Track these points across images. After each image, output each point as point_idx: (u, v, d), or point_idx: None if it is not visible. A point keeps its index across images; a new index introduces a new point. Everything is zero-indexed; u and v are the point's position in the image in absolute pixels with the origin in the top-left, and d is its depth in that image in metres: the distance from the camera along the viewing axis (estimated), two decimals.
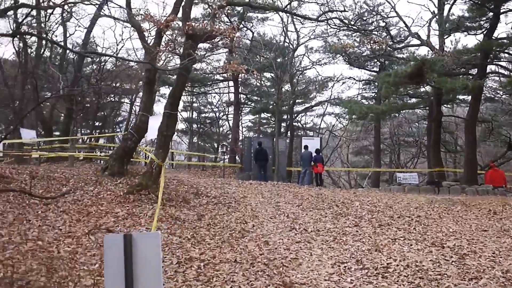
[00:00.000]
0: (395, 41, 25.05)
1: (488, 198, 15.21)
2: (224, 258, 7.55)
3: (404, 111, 30.74)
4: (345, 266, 7.62)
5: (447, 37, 23.39)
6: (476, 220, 11.71)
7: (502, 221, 11.65)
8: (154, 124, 13.82)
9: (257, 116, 36.87)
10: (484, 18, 22.16)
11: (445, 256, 8.40)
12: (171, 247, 7.80)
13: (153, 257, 3.38)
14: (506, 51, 22.70)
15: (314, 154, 20.25)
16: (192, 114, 40.99)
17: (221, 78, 32.25)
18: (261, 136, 32.14)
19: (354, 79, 31.90)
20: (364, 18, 24.38)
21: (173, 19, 12.61)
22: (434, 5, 23.95)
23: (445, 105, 29.19)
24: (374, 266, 7.62)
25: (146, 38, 15.45)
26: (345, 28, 22.52)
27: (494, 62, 23.57)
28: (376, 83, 29.06)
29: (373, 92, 32.32)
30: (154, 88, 17.37)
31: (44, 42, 26.51)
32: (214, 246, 8.16)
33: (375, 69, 30.12)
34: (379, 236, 9.75)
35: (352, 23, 21.85)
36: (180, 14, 13.79)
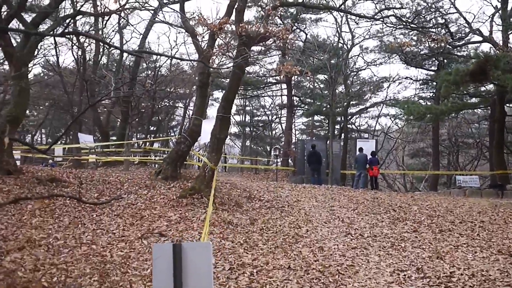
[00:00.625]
0: (455, 38, 24.06)
1: None
2: (278, 265, 7.33)
3: (464, 111, 29.53)
4: (404, 275, 7.24)
5: (511, 33, 22.23)
6: None
7: None
8: (207, 127, 13.82)
9: (310, 118, 36.53)
10: None
11: None
12: (223, 253, 7.65)
13: (203, 268, 3.21)
14: None
15: (369, 156, 19.76)
16: (245, 117, 41.14)
17: (274, 81, 32.17)
18: (314, 138, 31.75)
19: (411, 79, 30.99)
20: (422, 15, 23.54)
21: (226, 21, 12.53)
22: None
23: (508, 105, 27.82)
24: (436, 275, 7.20)
25: (200, 42, 15.51)
26: (402, 26, 21.81)
27: None
28: (435, 83, 28.09)
29: (430, 92, 31.29)
30: (207, 92, 17.41)
31: (101, 49, 27.31)
32: (267, 252, 7.96)
33: (433, 68, 29.12)
34: (440, 242, 9.27)
35: (409, 20, 21.12)
36: (233, 17, 13.72)
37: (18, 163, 17.28)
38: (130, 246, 7.56)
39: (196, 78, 20.24)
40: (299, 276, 6.88)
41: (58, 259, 6.67)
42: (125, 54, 27.87)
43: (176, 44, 43.39)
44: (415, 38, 25.74)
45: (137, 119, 31.79)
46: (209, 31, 13.63)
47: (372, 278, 7.02)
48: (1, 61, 21.28)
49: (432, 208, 12.73)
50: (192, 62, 24.27)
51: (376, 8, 21.33)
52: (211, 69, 13.70)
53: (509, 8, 22.02)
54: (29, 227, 8.10)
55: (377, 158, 21.09)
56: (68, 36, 23.82)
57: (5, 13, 12.54)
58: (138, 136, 37.02)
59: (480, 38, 22.93)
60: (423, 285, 6.78)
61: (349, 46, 28.07)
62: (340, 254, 8.21)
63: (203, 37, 16.27)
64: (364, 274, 7.20)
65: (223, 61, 28.98)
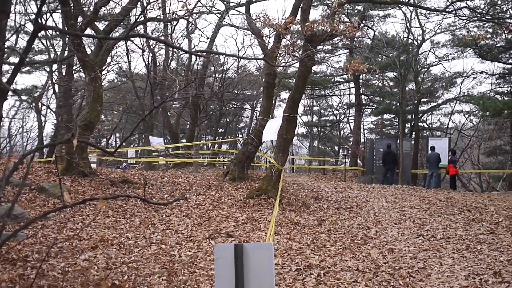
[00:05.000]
0: None
1: None
2: (345, 266, 7.18)
3: None
4: (481, 279, 6.87)
5: None
6: None
7: None
8: (271, 124, 13.74)
9: (379, 117, 35.70)
10: None
11: None
12: (290, 253, 7.59)
13: (265, 269, 3.17)
14: None
15: (450, 155, 19.20)
16: (312, 117, 40.88)
17: (342, 80, 31.74)
18: (384, 138, 31.00)
19: (487, 73, 29.46)
20: (498, 6, 22.39)
21: (291, 21, 12.46)
22: None
23: None
24: None
25: (266, 43, 15.57)
26: (476, 18, 20.82)
27: None
28: None
29: (508, 87, 29.66)
30: (273, 92, 17.42)
31: (170, 53, 28.04)
32: (334, 253, 7.82)
33: (510, 61, 27.62)
34: None
35: (484, 12, 20.13)
36: (299, 16, 13.66)
37: (94, 166, 18.09)
38: (198, 246, 7.67)
39: (263, 79, 20.36)
40: (367, 278, 6.70)
41: (129, 258, 6.87)
42: (193, 59, 28.47)
43: (243, 46, 43.75)
44: (490, 30, 24.51)
45: (205, 122, 32.38)
46: (274, 31, 13.65)
47: (445, 282, 6.71)
48: (78, 68, 22.31)
49: (511, 208, 12.05)
50: (256, 61, 24.38)
51: (447, 0, 20.49)
52: (274, 67, 13.66)
53: None
54: (102, 227, 8.42)
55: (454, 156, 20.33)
56: (137, 42, 24.71)
57: (80, 22, 13.18)
58: (207, 138, 37.71)
59: None
60: None
61: (419, 42, 27.14)
62: (411, 256, 7.93)
63: (269, 38, 16.35)
64: (436, 277, 6.90)
65: (289, 61, 29.03)
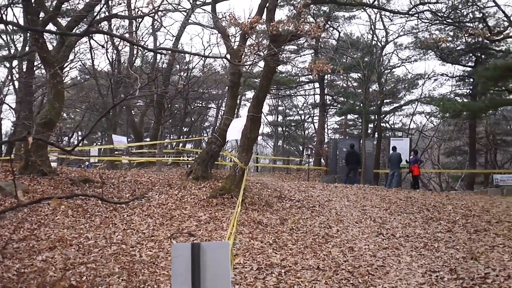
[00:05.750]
0: (493, 32, 23.35)
1: None
2: (306, 265, 7.24)
3: (502, 108, 28.65)
4: (437, 276, 7.05)
5: None
6: None
7: None
8: (236, 123, 13.74)
9: (343, 117, 36.14)
10: None
11: None
12: (252, 252, 7.61)
13: (222, 268, 3.18)
14: None
15: (412, 155, 19.61)
16: (277, 117, 41.04)
17: (307, 80, 31.94)
18: (347, 138, 31.41)
19: (447, 75, 30.21)
20: (459, 10, 22.96)
21: (257, 20, 12.46)
22: None
23: None
24: (470, 276, 6.97)
25: (232, 43, 15.53)
26: (438, 21, 21.29)
27: None
28: (472, 79, 27.36)
29: (467, 89, 30.46)
30: (238, 92, 17.42)
31: (135, 51, 27.68)
32: (296, 252, 7.88)
33: (470, 64, 28.34)
34: (475, 242, 9.01)
35: (445, 15, 20.61)
36: (264, 16, 13.68)
37: (54, 164, 17.71)
38: (159, 246, 7.61)
39: (228, 78, 20.32)
40: (328, 276, 6.78)
41: (88, 258, 6.76)
42: (158, 57, 28.18)
43: (209, 45, 43.54)
44: (451, 33, 25.11)
45: (170, 120, 32.11)
46: (240, 31, 13.64)
47: (403, 279, 6.86)
48: (39, 64, 21.78)
49: (468, 207, 12.40)
50: (222, 60, 24.30)
51: (410, 3, 20.88)
52: (239, 66, 13.66)
53: None
54: (61, 226, 8.25)
55: (417, 157, 20.77)
56: (101, 38, 24.28)
57: (42, 17, 12.87)
58: (171, 137, 37.41)
59: None
60: (456, 287, 6.58)
61: (383, 44, 27.61)
62: (371, 254, 8.06)
63: (235, 37, 16.33)
64: (394, 275, 7.04)
65: (253, 60, 29.05)
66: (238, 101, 29.58)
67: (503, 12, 23.31)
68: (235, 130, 13.34)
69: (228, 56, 14.54)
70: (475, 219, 10.99)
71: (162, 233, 8.31)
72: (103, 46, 24.69)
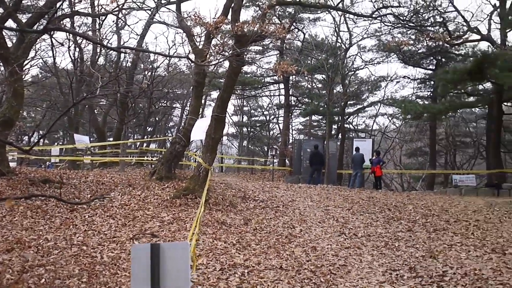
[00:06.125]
0: (453, 36, 23.97)
1: None
2: (270, 265, 7.28)
3: (461, 110, 29.45)
4: (397, 274, 7.18)
5: (509, 31, 22.12)
6: None
7: None
8: (200, 123, 13.69)
9: (308, 118, 36.46)
10: None
11: (507, 264, 7.79)
12: (215, 253, 7.60)
13: (181, 268, 3.17)
14: None
15: (375, 156, 19.94)
16: (242, 117, 41.06)
17: (272, 81, 32.10)
18: (312, 138, 31.68)
19: (409, 78, 30.89)
20: (420, 14, 23.48)
21: (222, 20, 12.45)
22: None
23: (506, 104, 27.69)
24: (429, 274, 7.14)
25: (198, 43, 15.44)
26: (400, 25, 21.73)
27: None
28: (432, 82, 28.02)
29: (428, 91, 31.20)
30: (203, 92, 17.34)
31: (98, 49, 27.21)
32: (259, 252, 7.91)
33: (431, 67, 29.03)
34: (434, 241, 9.23)
35: (407, 19, 21.06)
36: (230, 16, 13.67)
37: (14, 164, 17.26)
38: (121, 247, 7.51)
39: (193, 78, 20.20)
40: (290, 276, 6.83)
41: (48, 260, 6.62)
42: (122, 55, 27.78)
43: (174, 44, 43.14)
44: (413, 37, 25.67)
45: (133, 120, 31.72)
46: (205, 30, 13.58)
47: (364, 278, 6.96)
48: None
49: (427, 207, 12.69)
50: (187, 59, 24.07)
51: (374, 6, 21.26)
52: (203, 66, 13.62)
53: (507, 6, 21.95)
54: (19, 228, 8.05)
55: (380, 157, 21.14)
56: (63, 36, 23.76)
57: (0, 14, 12.51)
58: (135, 137, 36.94)
59: (478, 37, 22.82)
60: (415, 285, 6.72)
61: (347, 46, 27.97)
62: (333, 254, 8.16)
63: (200, 37, 16.24)
64: (356, 273, 7.15)
65: (218, 60, 28.97)
66: (203, 101, 29.50)
67: (463, 17, 23.95)
68: (199, 130, 13.29)
69: (193, 56, 14.50)
70: (434, 219, 11.26)
71: (125, 234, 8.21)
72: (62, 44, 24.21)
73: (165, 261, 3.15)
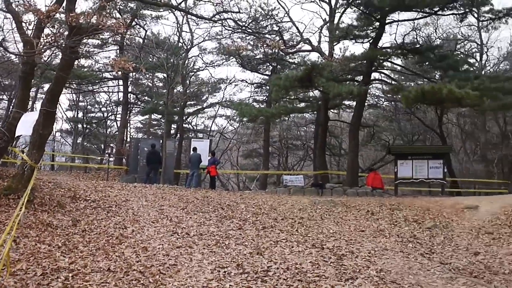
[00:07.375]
0: (287, 45, 25.52)
1: (367, 200, 15.66)
2: (97, 267, 7.03)
3: (293, 115, 31.50)
4: (225, 271, 7.42)
5: (336, 44, 24.27)
6: (355, 221, 12.14)
7: (378, 221, 12.20)
8: (27, 118, 12.67)
9: (147, 117, 35.95)
10: (371, 28, 22.54)
11: (324, 257, 8.55)
12: (37, 257, 7.13)
13: None
14: (389, 60, 23.91)
15: (210, 156, 20.32)
16: (78, 113, 39.04)
17: (111, 76, 31.04)
18: (151, 137, 31.34)
19: (247, 82, 32.23)
20: (259, 22, 24.61)
21: (55, 9, 11.68)
22: (326, 13, 24.85)
23: (332, 110, 30.33)
24: (255, 270, 7.51)
25: (27, 31, 14.28)
26: (240, 30, 22.53)
27: (378, 70, 24.66)
28: (268, 87, 29.49)
29: (264, 95, 32.83)
30: (31, 83, 16.09)
31: None
32: (87, 254, 7.60)
33: (267, 72, 30.60)
34: (262, 239, 9.72)
35: (246, 25, 21.92)
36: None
37: None
38: None
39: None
40: (118, 278, 6.68)
41: None
42: None
43: (1, 30, 39.38)
44: (251, 42, 26.78)
45: None
46: (36, 18, 12.65)
47: (193, 276, 7.08)
48: None
49: (258, 206, 13.29)
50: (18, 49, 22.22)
51: (215, 10, 21.72)
52: (21, 56, 12.70)
53: (335, 21, 24.04)
54: None
55: (216, 157, 21.61)
56: None
57: None
58: None
59: (310, 47, 24.68)
60: (241, 281, 7.01)
61: (188, 46, 28.18)
62: (164, 253, 8.15)
63: (31, 24, 15.05)
64: (185, 272, 7.23)
65: (55, 52, 27.21)
66: (33, 94, 27.46)
67: (297, 28, 25.71)
68: (26, 125, 12.31)
69: (21, 46, 13.40)
70: (263, 217, 11.85)
71: None
72: None
73: None
